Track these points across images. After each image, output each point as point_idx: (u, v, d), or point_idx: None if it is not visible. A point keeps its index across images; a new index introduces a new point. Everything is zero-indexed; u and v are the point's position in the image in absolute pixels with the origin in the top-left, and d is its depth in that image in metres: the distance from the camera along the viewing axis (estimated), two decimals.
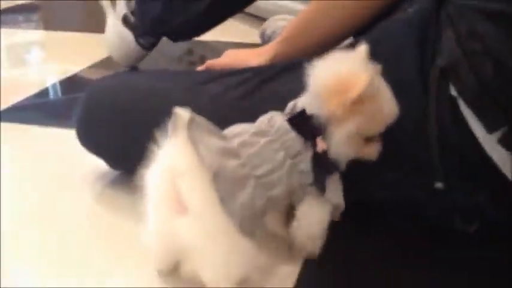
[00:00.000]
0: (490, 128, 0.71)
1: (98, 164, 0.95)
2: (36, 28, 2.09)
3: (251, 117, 0.74)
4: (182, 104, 0.68)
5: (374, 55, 0.82)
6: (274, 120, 0.72)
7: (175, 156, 0.66)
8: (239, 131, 0.72)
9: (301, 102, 0.72)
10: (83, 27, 2.05)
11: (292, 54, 0.95)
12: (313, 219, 0.73)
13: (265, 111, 0.75)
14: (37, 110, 1.32)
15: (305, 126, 0.70)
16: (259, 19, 1.77)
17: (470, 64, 0.71)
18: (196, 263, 0.68)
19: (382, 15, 0.91)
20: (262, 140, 0.70)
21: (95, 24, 1.79)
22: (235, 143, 0.70)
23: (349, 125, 0.68)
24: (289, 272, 0.76)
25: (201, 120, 0.69)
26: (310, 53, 0.90)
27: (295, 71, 0.86)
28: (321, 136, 0.69)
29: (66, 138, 1.02)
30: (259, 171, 0.69)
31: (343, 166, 0.72)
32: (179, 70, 1.29)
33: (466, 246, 0.80)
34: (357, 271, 0.76)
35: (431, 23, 0.79)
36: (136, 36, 1.37)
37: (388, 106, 0.70)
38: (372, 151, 0.73)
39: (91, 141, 0.93)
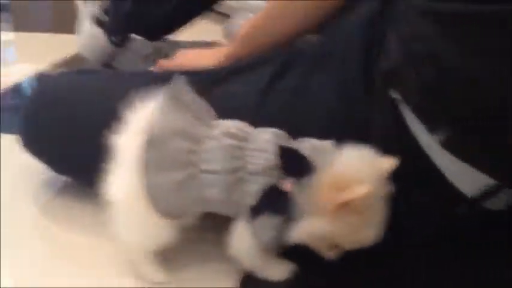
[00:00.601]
0: (432, 131, 0.69)
1: (44, 172, 0.93)
2: (8, 29, 2.06)
3: None
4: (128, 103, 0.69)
5: (322, 56, 0.82)
6: (264, 135, 0.70)
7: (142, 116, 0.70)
8: (229, 125, 0.71)
9: (308, 149, 0.68)
10: (53, 27, 2.03)
11: (247, 53, 0.94)
12: (240, 242, 0.71)
13: (215, 112, 0.74)
14: None
15: (291, 162, 0.67)
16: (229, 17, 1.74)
17: (413, 66, 0.69)
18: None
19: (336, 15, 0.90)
20: (229, 141, 0.69)
21: (65, 24, 1.77)
22: (208, 132, 0.69)
23: (324, 223, 0.65)
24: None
25: (186, 96, 0.71)
26: (266, 51, 0.90)
27: (245, 73, 0.85)
28: (293, 180, 0.66)
29: (9, 144, 0.99)
30: (204, 166, 0.68)
31: (286, 239, 0.68)
32: (130, 70, 1.28)
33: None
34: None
35: (377, 24, 0.78)
36: (108, 33, 1.36)
37: (370, 231, 0.66)
38: (332, 255, 0.69)
39: (34, 143, 0.90)
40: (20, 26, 2.06)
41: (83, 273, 0.76)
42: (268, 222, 0.68)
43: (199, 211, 0.72)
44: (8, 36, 1.97)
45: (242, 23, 1.33)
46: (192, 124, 0.70)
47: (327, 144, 0.69)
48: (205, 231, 0.77)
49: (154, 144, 0.67)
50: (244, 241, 0.70)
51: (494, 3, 0.62)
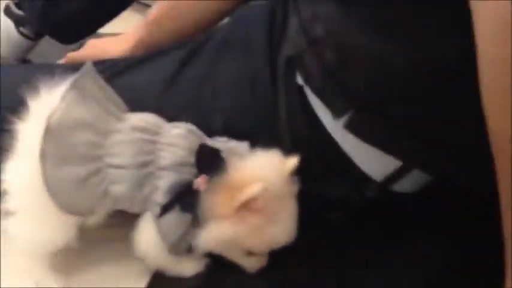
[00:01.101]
0: (336, 114, 0.69)
1: None
2: None
3: None
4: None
5: (228, 43, 0.80)
6: (176, 130, 0.67)
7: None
8: (140, 118, 0.68)
9: (223, 149, 0.66)
10: None
11: (157, 40, 0.90)
12: (147, 240, 0.67)
13: None
14: None
15: (206, 160, 0.65)
16: None
17: (313, 51, 0.69)
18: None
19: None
20: (138, 135, 0.66)
21: None
22: (116, 125, 0.66)
23: (227, 226, 0.64)
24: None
25: (94, 86, 0.67)
26: (178, 39, 0.86)
27: (153, 61, 0.82)
28: (206, 178, 0.64)
29: None
30: (112, 160, 0.65)
31: (193, 240, 0.66)
32: (38, 63, 1.23)
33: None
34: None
35: (279, 10, 0.77)
36: (18, 26, 1.30)
37: (278, 231, 0.65)
38: (252, 264, 0.68)
39: None
40: None
41: None
42: (175, 221, 0.65)
43: (106, 209, 0.68)
44: None
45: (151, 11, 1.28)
46: (98, 116, 0.66)
47: (242, 145, 0.67)
48: (110, 228, 0.73)
49: (53, 136, 0.63)
50: (151, 239, 0.67)
51: None
